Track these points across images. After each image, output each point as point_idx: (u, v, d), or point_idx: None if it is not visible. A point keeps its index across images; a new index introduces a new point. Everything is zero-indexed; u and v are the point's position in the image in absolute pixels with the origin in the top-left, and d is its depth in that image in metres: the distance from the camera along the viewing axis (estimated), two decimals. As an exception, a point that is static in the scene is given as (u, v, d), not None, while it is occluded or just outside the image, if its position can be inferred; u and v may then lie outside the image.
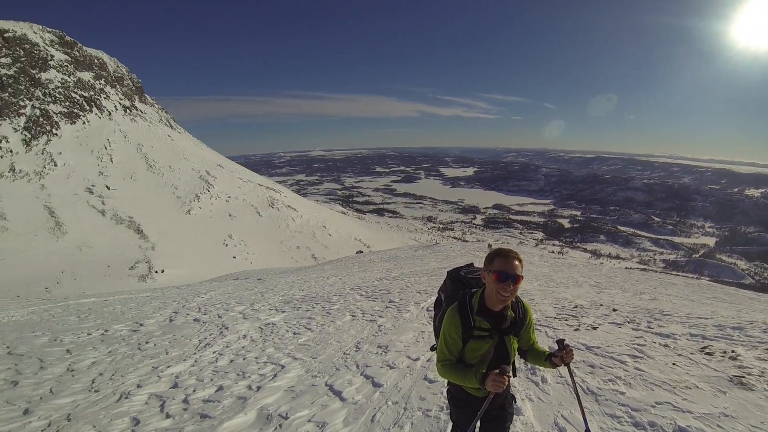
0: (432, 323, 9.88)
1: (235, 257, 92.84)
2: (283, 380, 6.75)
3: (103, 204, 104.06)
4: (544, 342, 7.64)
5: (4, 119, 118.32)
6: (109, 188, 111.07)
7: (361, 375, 6.82)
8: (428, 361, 7.25)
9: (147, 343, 9.82)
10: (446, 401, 5.12)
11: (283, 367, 7.47)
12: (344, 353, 8.13)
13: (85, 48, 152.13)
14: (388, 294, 14.46)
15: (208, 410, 5.74)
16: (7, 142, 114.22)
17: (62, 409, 6.04)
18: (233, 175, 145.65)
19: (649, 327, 8.42)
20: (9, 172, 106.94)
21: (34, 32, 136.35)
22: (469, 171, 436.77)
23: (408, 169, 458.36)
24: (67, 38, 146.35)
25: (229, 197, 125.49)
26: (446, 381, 3.48)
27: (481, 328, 3.06)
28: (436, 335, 3.40)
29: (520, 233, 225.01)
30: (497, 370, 2.85)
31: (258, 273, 39.09)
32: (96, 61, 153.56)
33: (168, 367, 7.82)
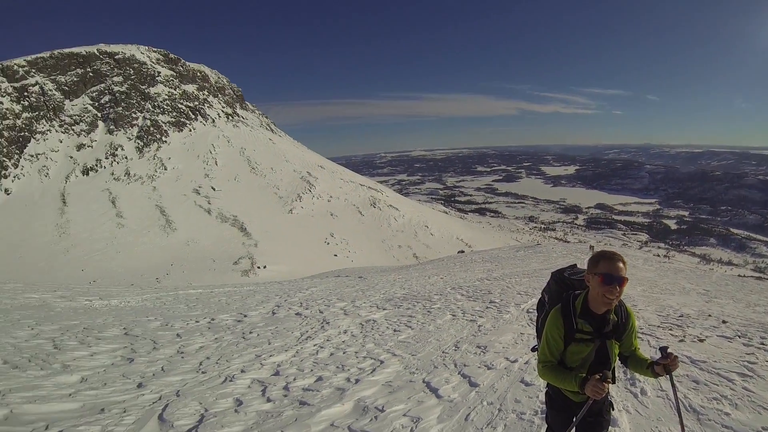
0: (532, 325, 9.71)
1: (336, 255, 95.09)
2: (381, 375, 6.86)
3: (209, 204, 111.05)
4: (646, 353, 7.21)
5: (119, 130, 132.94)
6: (214, 189, 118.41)
7: (458, 374, 6.79)
8: (526, 363, 7.11)
9: (251, 333, 10.29)
10: (541, 405, 4.99)
11: (382, 362, 7.59)
12: (443, 352, 8.12)
13: (187, 63, 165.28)
14: (488, 294, 14.32)
15: (307, 398, 5.93)
16: (122, 149, 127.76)
17: (172, 385, 6.50)
18: (334, 175, 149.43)
19: (762, 344, 7.69)
20: (125, 176, 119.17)
21: (141, 53, 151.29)
22: (570, 169, 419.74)
23: (509, 168, 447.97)
24: (171, 56, 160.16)
25: (331, 197, 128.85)
26: (545, 383, 3.50)
27: (584, 331, 3.02)
28: (538, 336, 3.38)
29: (623, 234, 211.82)
30: (598, 376, 2.82)
31: (359, 271, 39.77)
32: (198, 74, 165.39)
33: (270, 356, 8.16)
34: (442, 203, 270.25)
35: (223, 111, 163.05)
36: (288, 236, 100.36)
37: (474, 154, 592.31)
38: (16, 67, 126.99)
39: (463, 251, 65.26)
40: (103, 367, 7.50)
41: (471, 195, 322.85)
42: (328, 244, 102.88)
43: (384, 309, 12.89)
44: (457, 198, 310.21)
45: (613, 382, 3.06)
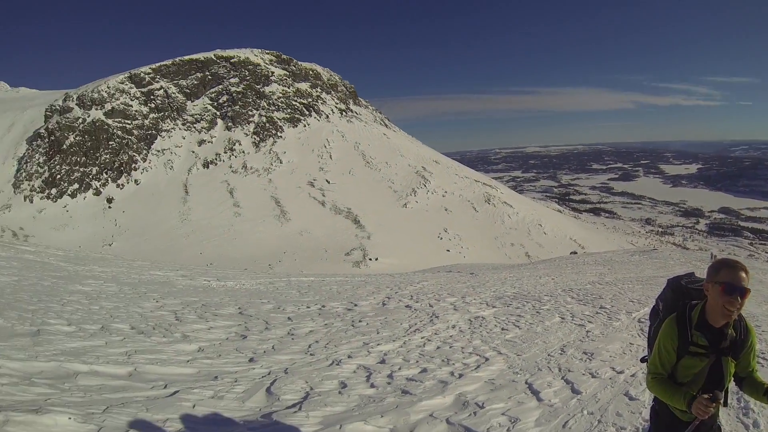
0: (643, 336, 9.27)
1: (449, 250, 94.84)
2: (485, 372, 6.90)
3: (323, 196, 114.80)
4: (766, 377, 6.67)
5: (237, 126, 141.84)
6: (329, 182, 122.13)
7: (561, 379, 6.71)
8: (632, 376, 6.86)
9: (360, 321, 10.61)
10: (644, 422, 4.83)
11: (487, 359, 7.62)
12: (548, 354, 8.04)
13: (299, 62, 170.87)
14: (599, 299, 13.86)
15: (409, 387, 6.10)
16: (240, 144, 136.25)
17: (281, 363, 6.93)
18: (449, 170, 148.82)
19: None
20: (242, 168, 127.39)
21: (255, 55, 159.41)
22: (692, 168, 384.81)
23: (625, 165, 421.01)
24: (283, 56, 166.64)
25: (446, 192, 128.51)
26: (652, 398, 3.37)
27: (698, 344, 2.90)
28: (650, 347, 3.31)
29: (750, 244, 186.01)
30: (707, 395, 2.70)
31: (470, 267, 39.51)
32: (311, 72, 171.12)
33: (378, 344, 8.42)
34: (556, 201, 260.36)
35: (336, 107, 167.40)
36: (401, 230, 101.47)
37: (589, 151, 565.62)
38: (142, 74, 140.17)
39: (575, 252, 62.97)
40: (219, 341, 8.17)
41: (586, 194, 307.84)
42: (441, 239, 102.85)
43: (493, 307, 12.82)
44: (571, 196, 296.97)
45: (725, 405, 2.96)
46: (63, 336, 7.41)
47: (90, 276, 15.75)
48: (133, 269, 19.32)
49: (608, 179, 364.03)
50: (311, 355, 7.56)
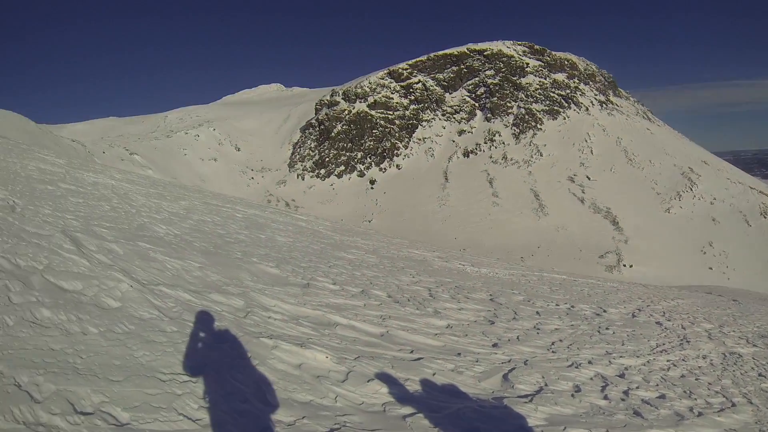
0: None
1: (711, 269, 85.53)
2: (727, 419, 6.34)
3: (583, 193, 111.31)
4: None
5: (496, 118, 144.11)
6: (589, 179, 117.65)
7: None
8: None
9: (606, 329, 10.45)
10: None
11: (733, 404, 6.95)
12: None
13: (553, 52, 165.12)
14: None
15: (643, 410, 5.97)
16: (499, 135, 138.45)
17: (522, 354, 7.31)
18: (720, 174, 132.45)
19: None
20: (502, 159, 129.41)
21: (507, 47, 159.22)
22: None
23: None
24: (536, 47, 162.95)
25: (714, 199, 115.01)
26: None
27: None
28: None
29: None
30: None
31: (734, 293, 35.51)
32: (566, 62, 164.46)
33: (620, 357, 8.31)
34: None
35: (595, 98, 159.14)
36: (661, 237, 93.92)
37: None
38: (400, 70, 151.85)
39: None
40: (467, 322, 8.79)
41: None
42: (705, 253, 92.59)
43: (754, 345, 11.41)
44: None
45: None
46: (328, 292, 8.78)
47: (353, 246, 17.64)
48: (392, 245, 21.23)
49: None
50: (553, 352, 7.79)
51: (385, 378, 5.11)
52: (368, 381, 4.98)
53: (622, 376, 7.30)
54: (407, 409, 4.58)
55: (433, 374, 5.60)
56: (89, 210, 11.10)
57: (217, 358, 4.72)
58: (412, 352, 6.32)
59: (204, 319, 5.72)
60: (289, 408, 4.12)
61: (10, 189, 10.79)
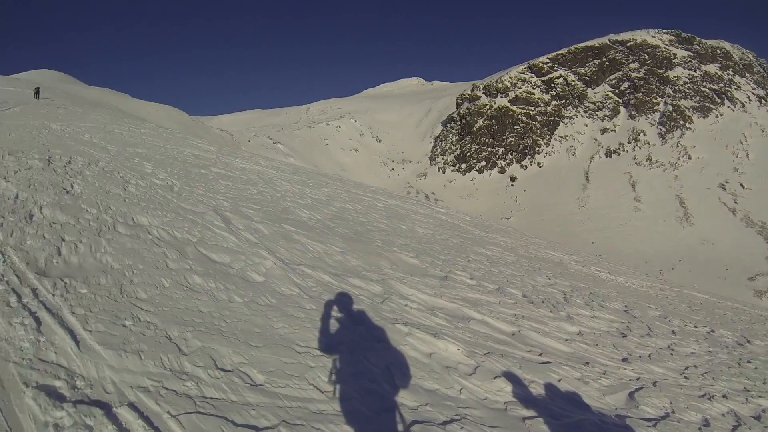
0: None
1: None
2: None
3: (735, 203, 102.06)
4: None
5: (641, 115, 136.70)
6: (743, 187, 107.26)
7: None
8: None
9: (749, 362, 9.50)
10: None
11: None
12: None
13: (703, 40, 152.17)
14: None
15: None
16: (644, 135, 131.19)
17: (652, 374, 6.96)
18: None
19: None
20: (646, 161, 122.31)
21: (651, 36, 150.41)
22: None
23: None
24: (684, 35, 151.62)
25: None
26: None
27: None
28: None
29: None
30: None
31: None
32: (718, 51, 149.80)
33: (759, 397, 7.34)
34: None
35: (753, 93, 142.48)
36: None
37: None
38: (540, 64, 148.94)
39: None
40: (599, 331, 8.56)
41: None
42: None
43: None
44: None
45: None
46: (465, 287, 8.98)
47: (492, 243, 17.59)
48: (530, 245, 20.98)
49: None
50: (685, 378, 7.35)
51: (511, 377, 5.22)
52: (494, 378, 5.12)
53: (758, 418, 6.59)
54: (528, 412, 4.65)
55: (559, 380, 5.61)
56: (238, 192, 12.32)
57: (352, 339, 5.11)
58: (540, 354, 6.37)
59: (342, 300, 6.18)
60: (414, 393, 4.37)
61: (169, 171, 12.46)
